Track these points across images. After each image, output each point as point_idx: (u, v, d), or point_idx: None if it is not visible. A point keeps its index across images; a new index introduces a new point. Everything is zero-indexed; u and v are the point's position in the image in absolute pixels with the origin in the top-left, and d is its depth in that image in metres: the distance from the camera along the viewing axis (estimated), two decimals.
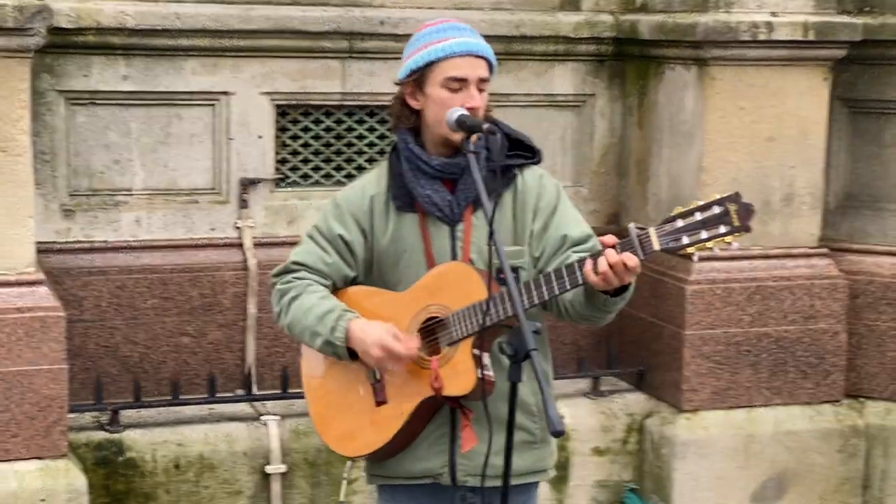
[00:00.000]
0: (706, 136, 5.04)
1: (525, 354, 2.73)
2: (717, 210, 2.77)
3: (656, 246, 2.80)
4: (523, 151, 3.19)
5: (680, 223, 2.79)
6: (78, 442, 4.56)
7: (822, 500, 5.24)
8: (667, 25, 5.12)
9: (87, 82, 4.84)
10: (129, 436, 4.64)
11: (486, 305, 2.89)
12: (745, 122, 5.08)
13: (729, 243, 2.78)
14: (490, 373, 3.01)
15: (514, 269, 3.09)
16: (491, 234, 2.83)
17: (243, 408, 4.91)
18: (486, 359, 3.00)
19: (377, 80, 5.13)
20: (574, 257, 3.00)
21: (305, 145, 5.23)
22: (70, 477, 4.29)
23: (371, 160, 5.22)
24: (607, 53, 5.49)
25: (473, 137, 3.01)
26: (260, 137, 5.09)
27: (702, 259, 4.52)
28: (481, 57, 3.06)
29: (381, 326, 3.02)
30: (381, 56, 5.10)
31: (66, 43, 4.76)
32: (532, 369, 2.72)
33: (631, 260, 2.81)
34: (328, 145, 5.26)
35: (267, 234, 5.09)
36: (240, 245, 5.06)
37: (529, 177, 3.16)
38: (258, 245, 5.04)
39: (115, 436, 4.62)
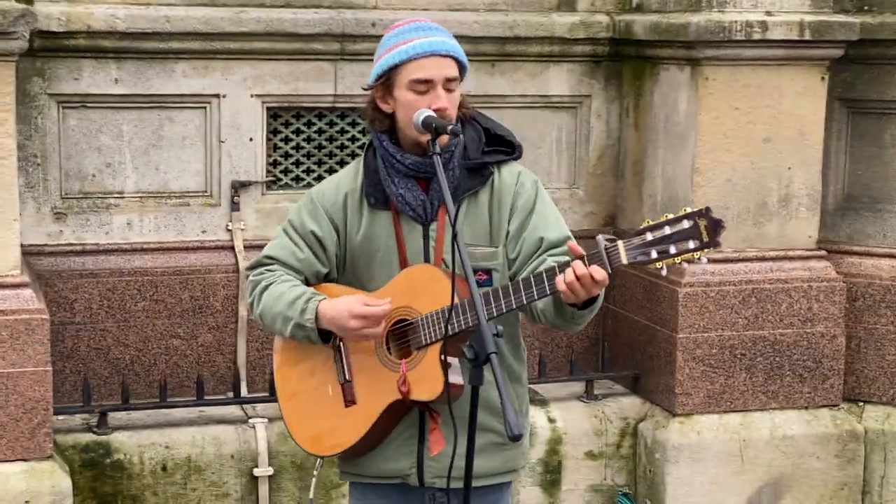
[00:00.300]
0: (699, 136, 4.99)
1: (485, 357, 2.71)
2: (686, 225, 2.73)
3: (624, 260, 2.78)
4: (503, 147, 3.15)
5: (649, 236, 2.76)
6: (65, 444, 4.57)
7: None
8: (660, 26, 5.08)
9: (78, 85, 4.85)
10: (117, 438, 4.64)
11: (448, 314, 2.87)
12: (740, 123, 5.03)
13: (698, 259, 2.75)
14: (458, 378, 2.98)
15: (488, 272, 3.08)
16: (454, 236, 2.80)
17: (233, 410, 4.90)
18: (455, 364, 2.98)
19: None
20: (549, 262, 2.97)
21: (297, 147, 5.22)
22: (55, 479, 4.30)
23: None
24: (603, 54, 5.45)
25: (442, 138, 2.99)
26: (251, 140, 5.08)
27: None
28: (447, 56, 3.02)
29: (347, 298, 3.00)
30: (373, 58, 5.05)
31: (56, 46, 4.78)
32: (493, 372, 2.70)
33: (599, 273, 2.78)
34: (320, 147, 5.25)
35: (258, 236, 5.08)
36: (231, 247, 5.06)
37: (507, 174, 3.12)
38: (249, 247, 5.03)
39: (103, 438, 4.63)
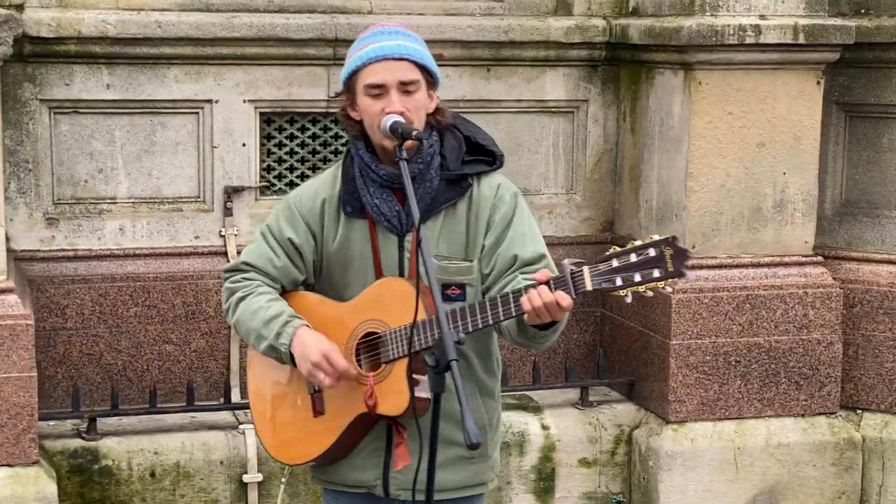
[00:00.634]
0: (693, 141, 4.94)
1: (446, 365, 2.69)
2: (652, 253, 2.71)
3: (589, 286, 2.75)
4: (484, 156, 3.12)
5: (615, 263, 2.73)
6: (53, 449, 4.58)
7: None
8: (654, 30, 5.04)
9: (69, 91, 4.87)
10: (106, 444, 4.65)
11: (411, 332, 2.85)
12: (733, 128, 4.98)
13: (662, 287, 2.72)
14: (424, 394, 2.96)
15: (462, 287, 3.06)
16: (419, 243, 2.78)
17: (224, 416, 4.90)
18: (423, 380, 2.96)
19: None
20: (519, 281, 2.94)
21: (291, 153, 5.22)
22: (40, 484, 4.31)
23: None
24: (600, 58, 5.41)
25: (407, 143, 2.97)
26: (244, 145, 5.08)
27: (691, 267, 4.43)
28: (402, 59, 2.99)
29: (325, 342, 2.98)
30: None
31: (47, 52, 4.79)
32: (453, 380, 2.68)
33: (564, 300, 2.76)
34: (314, 153, 5.24)
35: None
36: (224, 253, 5.06)
37: (486, 186, 3.07)
38: None
39: (91, 444, 4.63)
